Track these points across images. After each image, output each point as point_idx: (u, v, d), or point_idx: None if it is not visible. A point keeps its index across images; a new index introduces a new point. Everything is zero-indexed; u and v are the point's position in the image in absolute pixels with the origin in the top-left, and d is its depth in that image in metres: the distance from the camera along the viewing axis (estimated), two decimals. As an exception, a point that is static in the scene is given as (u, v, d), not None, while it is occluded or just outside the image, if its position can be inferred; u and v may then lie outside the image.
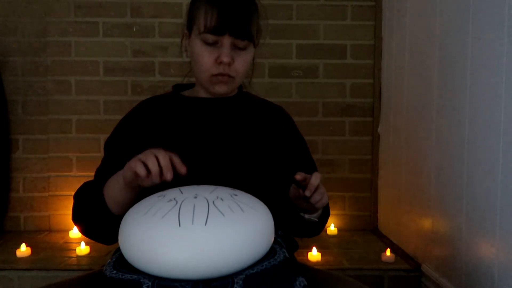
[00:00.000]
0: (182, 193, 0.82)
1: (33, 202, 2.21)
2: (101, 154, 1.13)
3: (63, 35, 2.19)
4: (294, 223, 1.04)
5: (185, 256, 0.71)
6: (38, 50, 2.19)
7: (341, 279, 0.98)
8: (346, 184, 2.26)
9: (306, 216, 0.99)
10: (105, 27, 2.20)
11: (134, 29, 2.20)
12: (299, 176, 0.90)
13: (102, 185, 0.96)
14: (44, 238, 2.09)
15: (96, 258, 1.79)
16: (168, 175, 0.82)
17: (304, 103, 2.23)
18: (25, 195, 2.21)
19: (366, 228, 2.26)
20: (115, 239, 0.85)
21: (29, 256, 1.81)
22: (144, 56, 2.21)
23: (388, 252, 1.76)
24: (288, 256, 0.84)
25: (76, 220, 1.02)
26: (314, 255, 1.77)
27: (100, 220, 0.97)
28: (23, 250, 1.81)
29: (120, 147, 1.06)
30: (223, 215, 0.75)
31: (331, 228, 2.17)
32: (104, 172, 1.01)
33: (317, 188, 0.90)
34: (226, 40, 0.99)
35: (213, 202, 0.78)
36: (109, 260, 0.85)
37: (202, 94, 1.10)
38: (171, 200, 0.79)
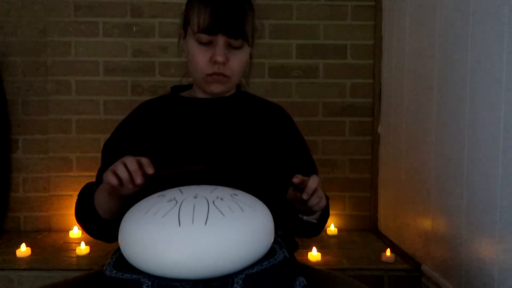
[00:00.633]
0: (182, 193, 0.82)
1: (33, 202, 2.21)
2: (101, 154, 1.13)
3: (63, 35, 2.19)
4: (293, 224, 1.04)
5: (185, 256, 0.71)
6: (38, 50, 2.19)
7: (341, 279, 0.98)
8: (346, 184, 2.26)
9: (305, 217, 0.99)
10: (105, 27, 2.20)
11: (134, 29, 2.20)
12: (296, 179, 0.90)
13: (93, 192, 0.98)
14: (44, 238, 2.09)
15: (96, 258, 1.79)
16: (138, 179, 0.85)
17: (304, 103, 2.23)
18: (25, 195, 2.21)
19: (366, 228, 2.26)
20: (117, 238, 0.86)
21: (29, 256, 1.81)
22: (144, 56, 2.21)
23: (388, 252, 1.76)
24: (288, 256, 0.84)
25: (78, 220, 1.05)
26: (314, 255, 1.77)
27: (96, 223, 1.00)
28: (23, 250, 1.81)
29: (119, 150, 1.06)
30: (223, 215, 0.75)
31: (331, 228, 2.17)
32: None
33: (315, 191, 0.90)
34: (220, 40, 0.99)
35: (213, 202, 0.78)
36: (109, 260, 0.85)
37: (200, 94, 1.10)
38: (171, 200, 0.79)
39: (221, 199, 0.79)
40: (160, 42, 2.20)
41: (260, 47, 2.19)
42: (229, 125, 1.08)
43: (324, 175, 2.20)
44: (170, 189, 0.86)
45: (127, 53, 2.21)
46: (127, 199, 0.92)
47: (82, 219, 1.03)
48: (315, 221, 1.01)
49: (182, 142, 1.05)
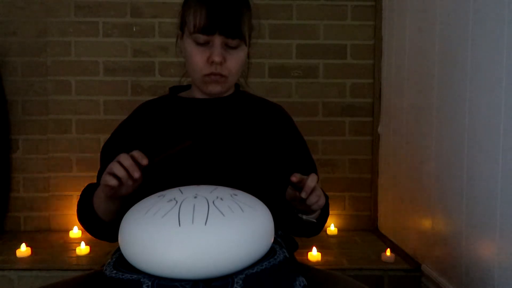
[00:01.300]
0: (182, 193, 0.82)
1: (33, 202, 2.21)
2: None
3: (63, 35, 2.19)
4: (293, 223, 1.04)
5: (185, 255, 0.71)
6: (38, 50, 2.19)
7: (341, 279, 0.98)
8: (346, 184, 2.26)
9: (304, 217, 0.99)
10: (105, 27, 2.20)
11: (134, 29, 2.20)
12: (294, 178, 0.90)
13: (92, 194, 0.99)
14: (44, 238, 2.09)
15: (96, 258, 1.79)
16: (135, 174, 0.85)
17: (304, 103, 2.23)
18: (25, 195, 2.21)
19: (366, 228, 2.26)
20: (117, 237, 0.86)
21: (29, 256, 1.81)
22: (144, 56, 2.21)
23: (388, 252, 1.76)
24: (288, 256, 0.84)
25: (79, 221, 1.06)
26: (314, 255, 1.77)
27: (96, 225, 1.01)
28: (23, 250, 1.81)
29: (118, 152, 1.06)
30: (223, 215, 0.75)
31: (331, 228, 2.17)
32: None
33: (313, 190, 0.90)
34: (217, 40, 0.99)
35: (213, 202, 0.78)
36: (109, 260, 0.85)
37: (199, 94, 1.10)
38: (171, 200, 0.79)
39: (221, 199, 0.79)
40: (160, 42, 2.20)
41: (260, 47, 2.19)
42: (228, 125, 1.08)
43: (324, 175, 2.20)
44: (170, 189, 0.86)
45: (127, 53, 2.21)
46: (126, 200, 0.93)
47: (83, 220, 1.04)
48: (315, 220, 1.00)
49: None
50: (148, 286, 0.72)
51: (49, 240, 2.06)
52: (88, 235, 1.07)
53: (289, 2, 2.21)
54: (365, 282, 0.97)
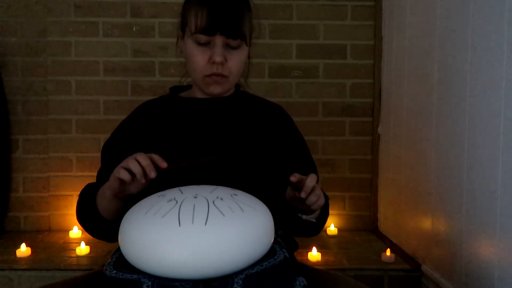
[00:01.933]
0: (182, 193, 0.82)
1: (33, 202, 2.21)
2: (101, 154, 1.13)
3: (63, 35, 2.19)
4: (293, 223, 1.04)
5: (185, 255, 0.72)
6: (38, 50, 2.19)
7: (341, 279, 0.98)
8: (346, 184, 2.26)
9: (304, 216, 0.99)
10: (105, 27, 2.20)
11: (134, 29, 2.20)
12: (293, 177, 0.90)
13: (95, 193, 0.99)
14: (44, 238, 2.09)
15: (96, 258, 1.79)
16: (152, 173, 0.86)
17: (304, 103, 2.23)
18: (25, 195, 2.21)
19: (366, 228, 2.26)
20: (117, 237, 0.86)
21: (29, 256, 1.81)
22: (144, 56, 2.21)
23: (388, 252, 1.76)
24: (288, 256, 0.84)
25: (79, 220, 1.06)
26: (314, 255, 1.77)
27: (97, 224, 1.01)
28: (23, 250, 1.81)
29: (119, 151, 1.07)
30: (223, 215, 0.75)
31: (331, 228, 2.17)
32: (103, 177, 1.02)
33: (313, 190, 0.90)
34: (218, 40, 0.99)
35: (213, 202, 0.78)
36: (109, 260, 0.85)
37: (199, 94, 1.10)
38: (171, 200, 0.79)
39: (221, 199, 0.79)
40: (160, 42, 2.20)
41: (260, 47, 2.19)
42: (228, 125, 1.08)
43: (324, 175, 2.20)
44: (170, 189, 0.86)
45: (127, 53, 2.21)
46: (130, 200, 0.92)
47: (83, 219, 1.04)
48: (314, 220, 1.00)
49: (181, 142, 1.05)
50: (148, 286, 0.72)
51: (49, 240, 2.06)
52: (88, 235, 1.07)
53: (289, 2, 2.21)
54: (365, 282, 0.97)
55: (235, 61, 1.02)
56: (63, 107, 2.21)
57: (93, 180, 1.09)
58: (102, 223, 1.00)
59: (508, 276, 1.16)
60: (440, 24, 1.56)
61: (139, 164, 0.86)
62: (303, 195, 0.89)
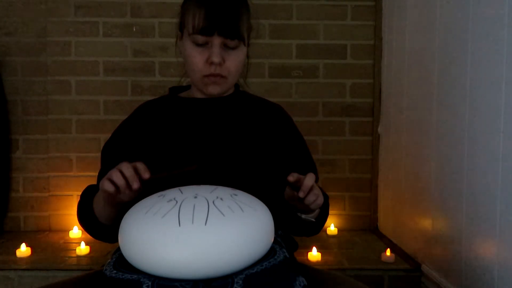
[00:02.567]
0: (182, 193, 0.82)
1: (33, 202, 2.21)
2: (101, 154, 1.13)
3: (63, 35, 2.19)
4: (292, 222, 1.04)
5: (185, 256, 0.72)
6: (38, 50, 2.19)
7: (341, 279, 0.98)
8: (346, 184, 2.26)
9: (303, 216, 0.99)
10: (105, 27, 2.20)
11: (134, 29, 2.20)
12: (291, 177, 0.89)
13: (93, 196, 1.00)
14: (44, 238, 2.09)
15: (96, 258, 1.79)
16: (134, 184, 0.85)
17: (304, 103, 2.23)
18: (25, 195, 2.21)
19: (366, 228, 2.26)
20: (117, 239, 0.86)
21: (29, 256, 1.81)
22: (144, 56, 2.21)
23: (388, 252, 1.76)
24: (288, 256, 0.84)
25: (79, 222, 1.07)
26: (314, 255, 1.77)
27: (96, 227, 1.02)
28: (23, 250, 1.81)
29: (119, 152, 1.07)
30: (223, 215, 0.75)
31: (331, 228, 2.17)
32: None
33: (311, 189, 0.90)
34: (216, 40, 0.99)
35: (213, 202, 0.78)
36: (109, 260, 0.85)
37: (198, 94, 1.10)
38: (171, 200, 0.79)
39: (221, 199, 0.79)
40: (160, 42, 2.20)
41: (260, 47, 2.19)
42: (227, 125, 1.08)
43: (324, 175, 2.20)
44: (170, 189, 0.86)
45: (127, 53, 2.21)
46: (125, 206, 0.93)
47: (83, 221, 1.05)
48: (314, 220, 1.00)
49: (181, 143, 1.05)
50: (148, 286, 0.72)
51: (49, 240, 2.06)
52: (88, 235, 1.07)
53: (289, 2, 2.21)
54: (365, 282, 0.97)
55: (234, 61, 1.02)
56: (63, 107, 2.21)
57: (93, 180, 1.09)
58: (100, 226, 1.01)
59: (508, 276, 1.16)
60: (440, 24, 1.56)
61: (123, 175, 0.85)
62: (301, 194, 0.89)
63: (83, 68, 2.20)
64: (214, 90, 1.05)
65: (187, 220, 0.73)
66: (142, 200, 0.85)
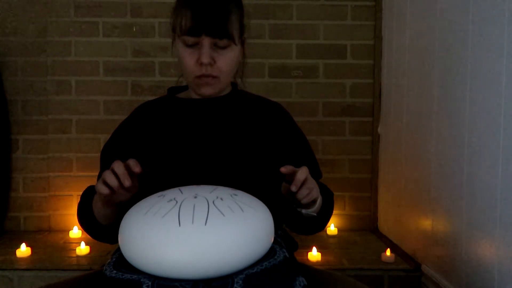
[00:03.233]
0: (182, 193, 0.82)
1: (33, 202, 2.21)
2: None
3: (63, 35, 2.19)
4: (294, 219, 1.03)
5: (185, 256, 0.72)
6: (38, 50, 2.19)
7: (341, 279, 0.98)
8: (346, 184, 2.26)
9: (303, 211, 0.98)
10: (105, 27, 2.20)
11: (134, 29, 2.20)
12: (284, 168, 0.89)
13: (92, 198, 1.00)
14: (44, 238, 2.09)
15: (96, 258, 1.79)
16: (126, 182, 0.85)
17: (304, 103, 2.23)
18: (25, 195, 2.21)
19: (366, 228, 2.26)
20: (117, 239, 0.86)
21: (29, 256, 1.81)
22: (144, 56, 2.21)
23: (388, 252, 1.76)
24: (288, 256, 0.84)
25: (80, 223, 1.07)
26: (314, 255, 1.77)
27: (96, 228, 1.03)
28: (23, 250, 1.81)
29: (118, 154, 1.07)
30: (223, 215, 0.75)
31: (331, 228, 2.17)
32: None
33: (304, 183, 0.89)
34: (205, 41, 0.99)
35: (213, 202, 0.78)
36: (109, 260, 0.85)
37: (195, 95, 1.10)
38: (171, 200, 0.79)
39: (221, 199, 0.79)
40: (160, 42, 2.20)
41: (260, 47, 2.19)
42: (225, 125, 1.08)
43: (324, 175, 2.19)
44: (170, 189, 0.86)
45: (127, 53, 2.21)
46: (124, 206, 0.93)
47: (83, 223, 1.06)
48: (315, 214, 0.99)
49: (178, 143, 1.05)
50: (148, 286, 0.72)
51: (49, 240, 2.06)
52: (89, 235, 1.08)
53: (289, 2, 2.21)
54: (365, 282, 0.97)
55: (225, 61, 1.02)
56: (63, 107, 2.21)
57: (93, 180, 1.09)
58: (100, 227, 1.01)
59: (508, 276, 1.16)
60: (440, 24, 1.56)
61: (115, 174, 0.86)
62: (293, 188, 0.88)
63: (83, 68, 2.20)
64: (206, 91, 1.05)
65: (187, 220, 0.73)
66: (142, 200, 0.85)
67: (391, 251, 1.78)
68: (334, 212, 2.30)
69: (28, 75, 2.19)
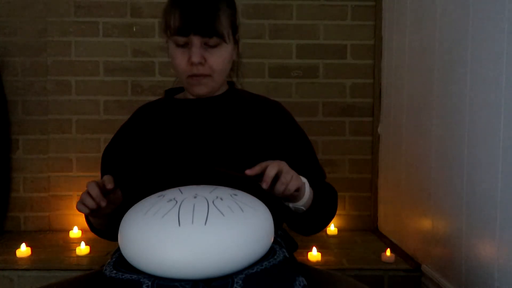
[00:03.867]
0: (182, 193, 0.82)
1: (33, 202, 2.21)
2: (101, 154, 1.14)
3: (63, 35, 2.19)
4: (291, 216, 1.02)
5: (185, 255, 0.72)
6: (38, 50, 2.19)
7: (341, 279, 0.98)
8: (346, 184, 2.26)
9: (291, 205, 0.97)
10: (105, 27, 2.20)
11: (134, 29, 2.20)
12: (250, 171, 0.88)
13: None
14: (44, 238, 2.09)
15: (96, 258, 1.79)
16: (101, 203, 0.89)
17: (304, 103, 2.23)
18: (25, 195, 2.21)
19: (366, 228, 2.26)
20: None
21: (29, 256, 1.81)
22: (144, 56, 2.21)
23: (388, 252, 1.76)
24: (288, 256, 0.84)
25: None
26: (314, 255, 1.77)
27: (96, 230, 1.07)
28: (23, 250, 1.81)
29: (118, 157, 1.08)
30: (223, 215, 0.75)
31: (331, 228, 2.17)
32: None
33: (279, 177, 0.88)
34: (194, 40, 0.99)
35: (213, 202, 0.78)
36: (109, 260, 0.85)
37: (190, 95, 1.10)
38: (171, 200, 0.79)
39: (221, 199, 0.79)
40: (160, 42, 2.20)
41: (260, 47, 2.19)
42: (221, 124, 1.07)
43: (324, 175, 2.20)
44: (170, 189, 0.86)
45: (127, 53, 2.21)
46: (116, 213, 0.96)
47: (87, 223, 1.09)
48: (303, 208, 0.97)
49: (176, 144, 1.05)
50: (148, 286, 0.72)
51: (49, 240, 2.06)
52: (88, 235, 1.10)
53: (289, 2, 2.21)
54: (365, 282, 0.97)
55: (216, 60, 1.02)
56: (63, 107, 2.21)
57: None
58: (99, 231, 1.05)
59: (508, 276, 1.16)
60: (440, 24, 1.56)
61: (91, 196, 0.89)
62: (264, 186, 0.87)
63: (83, 68, 2.20)
64: (200, 90, 1.05)
65: (187, 220, 0.73)
66: (142, 200, 0.85)
67: (391, 251, 1.78)
68: (334, 212, 2.29)
69: (28, 75, 2.19)
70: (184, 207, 0.76)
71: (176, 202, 0.78)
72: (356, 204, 2.27)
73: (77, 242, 1.94)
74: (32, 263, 1.73)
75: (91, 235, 1.14)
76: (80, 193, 1.09)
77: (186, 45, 1.00)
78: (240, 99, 1.13)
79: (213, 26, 0.98)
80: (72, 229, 2.11)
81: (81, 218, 1.22)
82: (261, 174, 0.88)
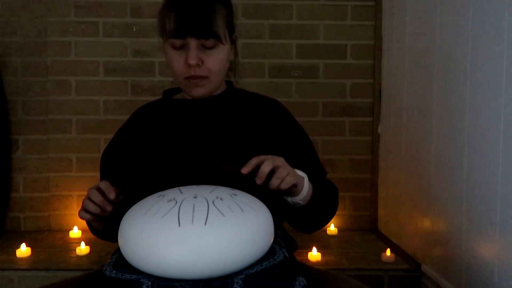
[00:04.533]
0: (181, 193, 0.82)
1: (33, 202, 2.21)
2: (101, 154, 1.14)
3: (63, 35, 2.19)
4: (291, 212, 1.02)
5: (185, 256, 0.72)
6: (38, 50, 2.19)
7: (341, 279, 0.98)
8: (346, 184, 2.26)
9: (289, 199, 0.97)
10: (105, 27, 2.20)
11: (134, 29, 2.20)
12: (244, 169, 0.89)
13: None
14: (44, 238, 2.09)
15: (96, 258, 1.79)
16: (108, 208, 0.90)
17: (304, 103, 2.23)
18: (25, 195, 2.21)
19: (366, 228, 2.26)
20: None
21: (29, 256, 1.81)
22: (144, 56, 2.21)
23: (388, 252, 1.76)
24: (288, 256, 0.84)
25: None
26: (314, 255, 1.77)
27: (96, 232, 1.07)
28: (23, 250, 1.81)
29: (117, 159, 1.08)
30: (223, 215, 0.75)
31: (331, 228, 2.17)
32: None
33: (275, 173, 0.89)
34: (191, 42, 0.99)
35: (213, 202, 0.78)
36: (109, 260, 0.85)
37: (188, 96, 1.10)
38: (170, 200, 0.79)
39: (221, 199, 0.79)
40: (160, 42, 2.19)
41: (260, 47, 2.19)
42: (220, 123, 1.07)
43: (324, 175, 2.20)
44: (170, 189, 0.86)
45: (127, 53, 2.21)
46: (114, 215, 0.95)
47: (88, 226, 1.09)
48: (301, 203, 0.98)
49: (175, 144, 1.05)
50: (148, 286, 0.72)
51: (49, 240, 2.06)
52: (88, 235, 1.10)
53: (289, 2, 2.21)
54: (365, 282, 0.97)
55: (213, 61, 1.02)
56: (63, 107, 2.21)
57: (93, 180, 1.10)
58: (100, 232, 1.05)
59: (508, 276, 1.16)
60: (440, 24, 1.56)
61: (94, 203, 0.90)
62: (258, 181, 0.88)
63: (83, 68, 2.20)
64: (197, 92, 1.05)
65: (187, 220, 0.73)
66: (142, 200, 0.85)
67: (391, 251, 1.78)
68: (334, 212, 2.29)
69: (28, 75, 2.19)
70: (184, 207, 0.76)
71: (176, 202, 0.78)
72: (356, 204, 2.27)
73: (77, 242, 1.94)
74: (32, 263, 1.73)
75: (91, 235, 1.14)
76: (80, 193, 1.09)
77: (182, 47, 1.00)
78: (238, 98, 1.13)
79: (209, 28, 0.98)
80: (72, 229, 2.11)
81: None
82: (256, 169, 0.89)
